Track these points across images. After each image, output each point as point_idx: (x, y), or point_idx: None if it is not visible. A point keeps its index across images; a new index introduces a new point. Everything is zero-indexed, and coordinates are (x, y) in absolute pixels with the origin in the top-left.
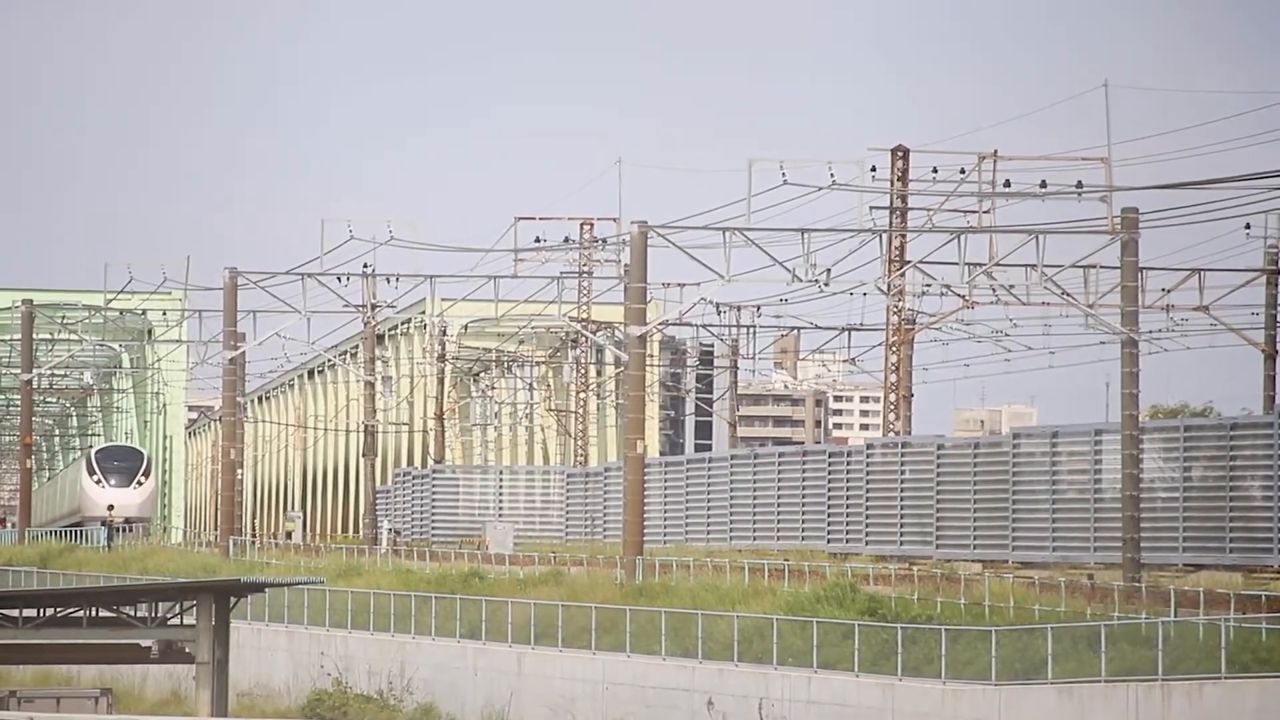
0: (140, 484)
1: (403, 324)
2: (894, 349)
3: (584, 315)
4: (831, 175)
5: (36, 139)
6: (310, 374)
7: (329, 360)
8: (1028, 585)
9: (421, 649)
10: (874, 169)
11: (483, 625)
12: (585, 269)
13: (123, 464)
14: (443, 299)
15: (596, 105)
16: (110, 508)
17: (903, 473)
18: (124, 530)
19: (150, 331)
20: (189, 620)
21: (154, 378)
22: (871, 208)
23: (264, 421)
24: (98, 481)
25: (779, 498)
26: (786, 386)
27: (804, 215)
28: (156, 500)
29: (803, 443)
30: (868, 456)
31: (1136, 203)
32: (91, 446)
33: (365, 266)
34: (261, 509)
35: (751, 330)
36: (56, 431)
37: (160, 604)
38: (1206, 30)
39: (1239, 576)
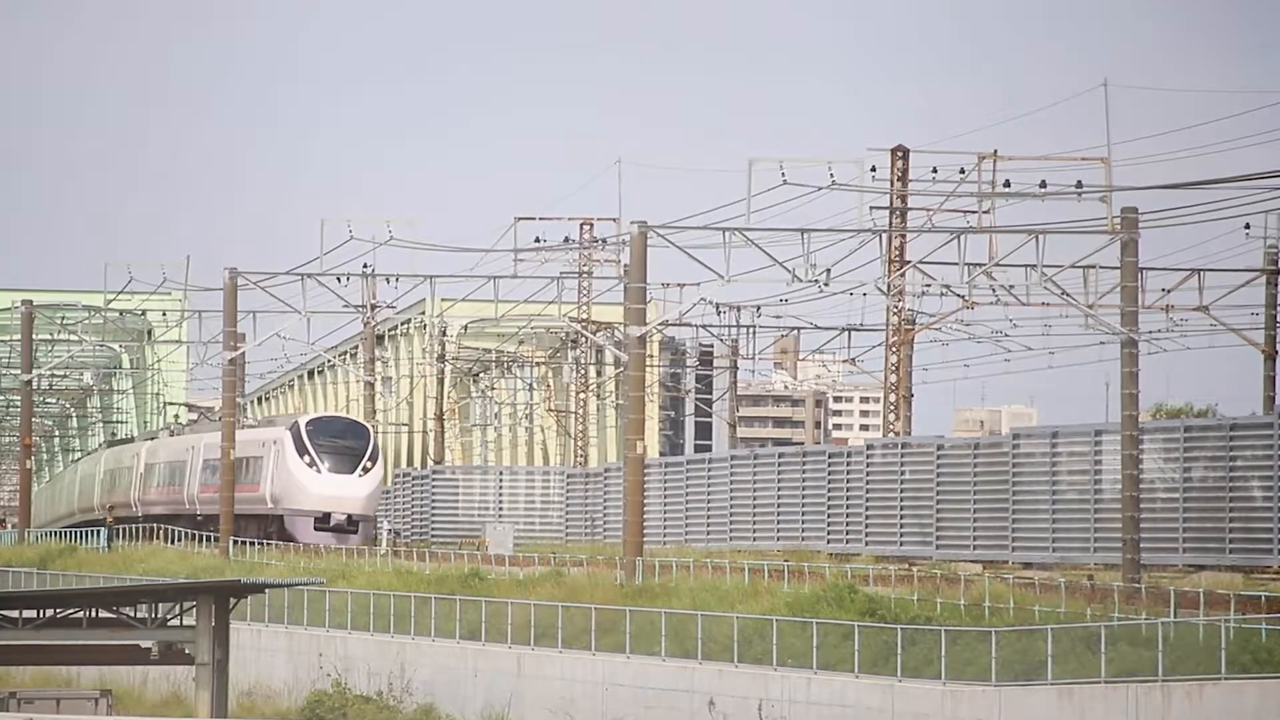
0: (367, 470)
1: (402, 324)
2: (894, 349)
3: (584, 315)
4: (831, 175)
5: (36, 139)
6: (310, 374)
7: (329, 361)
8: (1028, 586)
9: (421, 650)
10: (874, 169)
11: (482, 626)
12: (585, 269)
13: (344, 442)
14: (442, 299)
15: (597, 105)
16: (327, 518)
17: (903, 473)
18: (347, 530)
19: (150, 332)
20: (189, 621)
21: (154, 378)
22: (871, 208)
23: None
24: (310, 464)
25: (779, 498)
26: (786, 387)
27: (804, 215)
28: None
29: (803, 443)
30: (868, 457)
31: (1136, 203)
32: (302, 414)
33: (365, 267)
34: None
35: (751, 330)
36: (56, 432)
37: (160, 605)
38: (1206, 30)
39: (1239, 577)
